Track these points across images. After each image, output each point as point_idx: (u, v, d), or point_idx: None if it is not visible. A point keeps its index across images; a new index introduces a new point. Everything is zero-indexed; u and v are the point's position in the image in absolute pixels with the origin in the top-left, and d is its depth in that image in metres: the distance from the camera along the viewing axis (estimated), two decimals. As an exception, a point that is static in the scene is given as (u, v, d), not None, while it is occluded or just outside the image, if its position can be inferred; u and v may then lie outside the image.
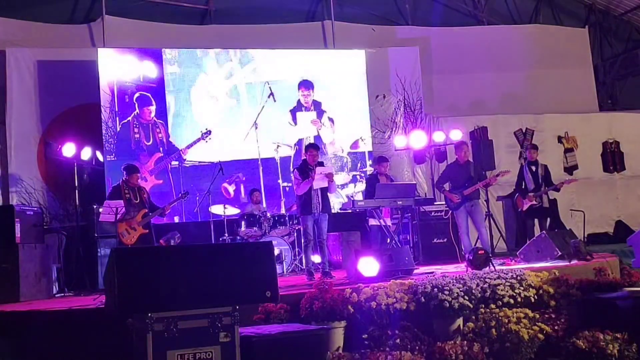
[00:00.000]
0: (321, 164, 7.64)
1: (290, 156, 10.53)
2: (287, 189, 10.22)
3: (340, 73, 11.09)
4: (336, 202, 10.47)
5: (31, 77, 10.05)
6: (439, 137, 10.16)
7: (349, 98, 11.04)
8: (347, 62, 11.20)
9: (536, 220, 9.21)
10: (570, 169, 12.41)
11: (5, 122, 9.84)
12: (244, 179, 10.26)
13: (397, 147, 10.51)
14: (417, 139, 10.04)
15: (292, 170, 9.46)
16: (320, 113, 10.82)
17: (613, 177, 12.81)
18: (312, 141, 10.09)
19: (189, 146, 10.16)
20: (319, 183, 7.33)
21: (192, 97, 10.35)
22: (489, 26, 13.61)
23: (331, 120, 10.82)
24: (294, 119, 10.68)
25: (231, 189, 10.18)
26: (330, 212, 7.64)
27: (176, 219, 9.77)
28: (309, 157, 7.54)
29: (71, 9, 11.11)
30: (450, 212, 8.79)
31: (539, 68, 13.20)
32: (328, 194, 7.53)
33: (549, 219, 9.20)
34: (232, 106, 10.53)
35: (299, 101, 10.74)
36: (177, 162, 10.09)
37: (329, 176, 7.38)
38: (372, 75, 11.28)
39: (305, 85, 10.78)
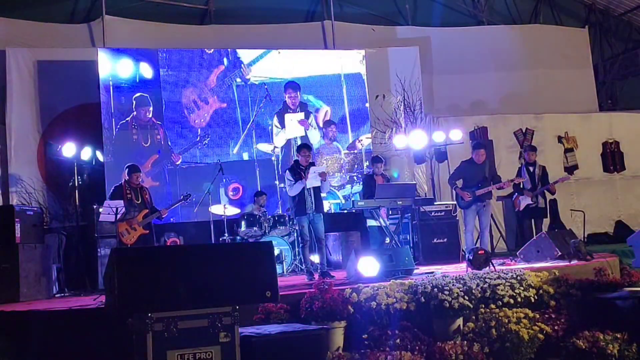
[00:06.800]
0: (313, 164, 7.61)
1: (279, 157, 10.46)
2: (285, 189, 10.21)
3: (340, 73, 11.07)
4: (333, 203, 10.47)
5: (31, 77, 10.04)
6: (439, 137, 10.15)
7: (348, 98, 11.04)
8: (347, 62, 11.19)
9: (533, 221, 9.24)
10: (570, 169, 12.39)
11: (5, 122, 9.84)
12: (239, 194, 10.24)
13: (397, 147, 10.50)
14: (417, 139, 10.02)
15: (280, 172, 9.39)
16: (307, 114, 10.78)
17: (613, 177, 12.80)
18: (299, 142, 10.03)
19: (185, 150, 10.11)
20: (312, 182, 7.30)
21: (185, 99, 10.29)
22: (489, 26, 13.62)
23: (333, 123, 10.78)
24: (281, 120, 10.61)
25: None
26: (323, 212, 7.62)
27: (172, 220, 9.73)
28: (302, 157, 7.48)
29: (71, 9, 11.13)
30: (453, 210, 8.85)
31: (539, 68, 13.21)
32: (321, 194, 7.52)
33: (544, 220, 9.23)
34: (225, 108, 10.47)
35: (284, 103, 10.67)
36: (172, 165, 10.07)
37: (322, 175, 7.34)
38: (372, 75, 11.28)
39: (292, 86, 10.69)
